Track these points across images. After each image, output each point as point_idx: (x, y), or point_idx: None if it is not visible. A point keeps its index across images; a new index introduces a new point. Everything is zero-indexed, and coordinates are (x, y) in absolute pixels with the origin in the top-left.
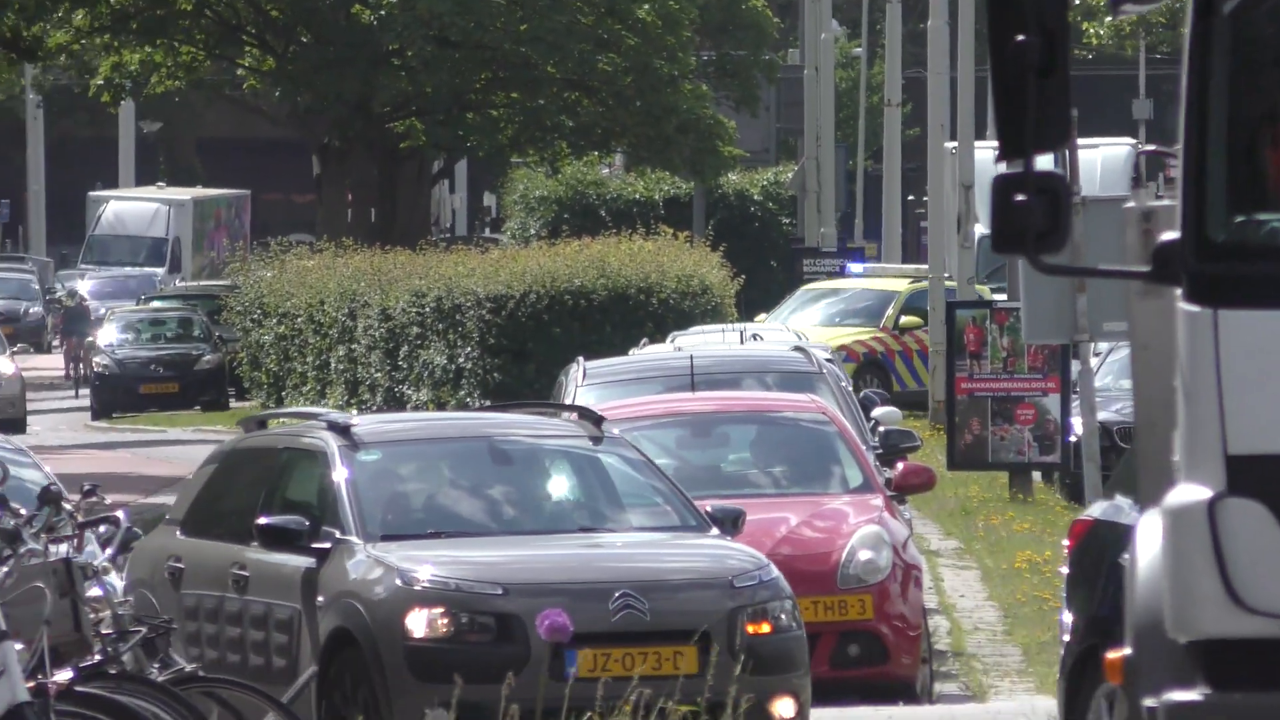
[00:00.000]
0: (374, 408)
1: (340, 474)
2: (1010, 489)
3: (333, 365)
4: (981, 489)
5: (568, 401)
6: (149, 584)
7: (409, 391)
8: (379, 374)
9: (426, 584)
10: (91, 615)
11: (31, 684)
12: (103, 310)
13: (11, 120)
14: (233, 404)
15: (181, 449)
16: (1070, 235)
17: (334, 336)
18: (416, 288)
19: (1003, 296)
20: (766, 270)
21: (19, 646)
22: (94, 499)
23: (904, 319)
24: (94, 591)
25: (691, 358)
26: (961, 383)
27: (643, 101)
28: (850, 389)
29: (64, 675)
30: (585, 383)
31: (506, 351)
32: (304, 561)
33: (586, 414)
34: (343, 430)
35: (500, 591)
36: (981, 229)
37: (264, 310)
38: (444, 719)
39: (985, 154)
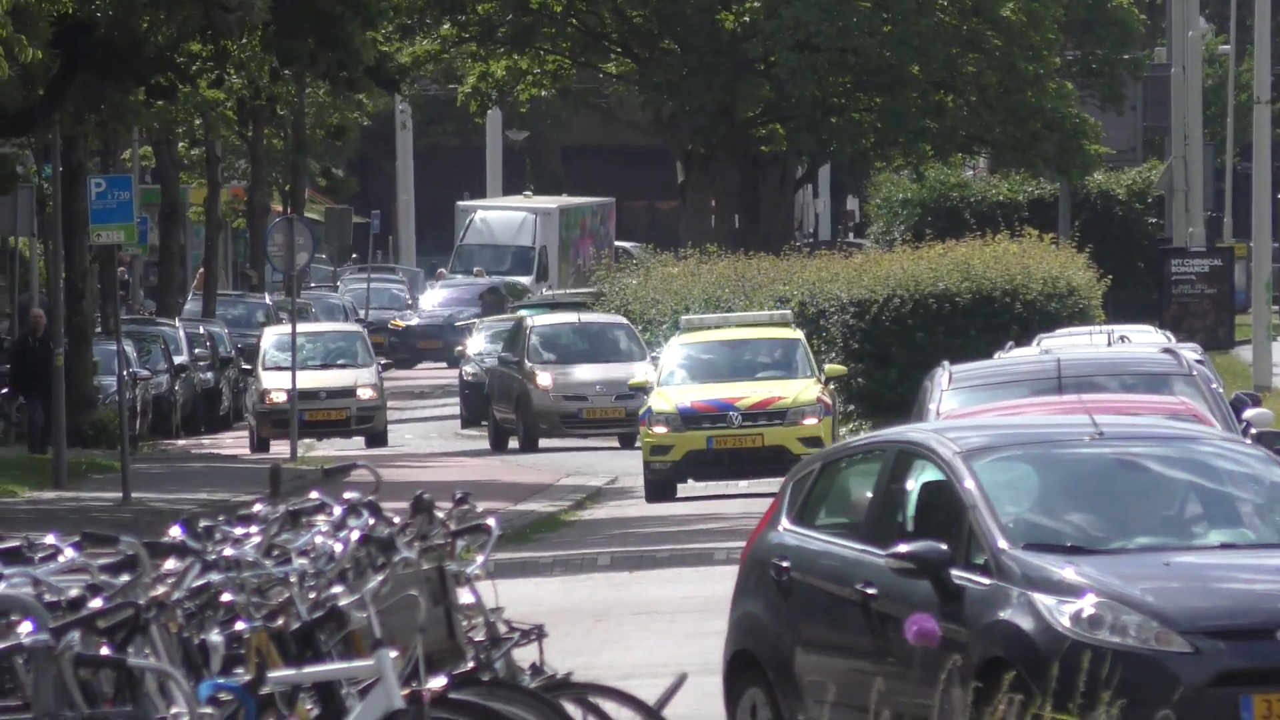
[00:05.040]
0: None
1: None
2: None
3: None
4: None
5: (930, 406)
6: None
7: None
8: None
9: None
10: (464, 622)
11: (406, 691)
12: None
13: (382, 131)
14: None
15: (549, 456)
16: None
17: None
18: (780, 293)
19: None
20: (1133, 271)
21: (394, 654)
22: (465, 507)
23: (828, 367)
24: (467, 598)
25: (1059, 360)
26: None
27: (1007, 101)
28: (1221, 391)
29: (438, 682)
30: (950, 387)
31: (870, 356)
32: None
33: None
34: None
35: None
36: None
37: (630, 317)
38: None
39: None
